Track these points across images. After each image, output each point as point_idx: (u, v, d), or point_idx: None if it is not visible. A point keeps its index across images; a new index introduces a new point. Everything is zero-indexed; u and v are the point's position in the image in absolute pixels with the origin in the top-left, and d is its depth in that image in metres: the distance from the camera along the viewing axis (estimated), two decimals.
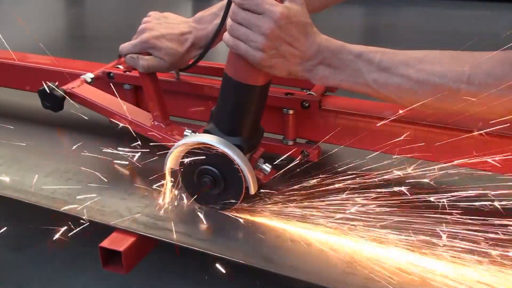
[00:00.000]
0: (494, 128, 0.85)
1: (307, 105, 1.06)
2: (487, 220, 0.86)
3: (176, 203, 1.00)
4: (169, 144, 1.04)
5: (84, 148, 1.21)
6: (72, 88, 1.11)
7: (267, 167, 0.99)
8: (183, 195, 1.00)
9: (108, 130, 1.24)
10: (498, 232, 0.85)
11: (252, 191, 0.94)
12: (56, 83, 1.11)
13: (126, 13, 3.86)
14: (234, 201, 0.96)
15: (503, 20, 3.55)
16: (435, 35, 3.06)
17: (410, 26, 3.47)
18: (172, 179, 0.99)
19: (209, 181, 0.95)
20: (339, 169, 0.97)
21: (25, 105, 1.41)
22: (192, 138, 0.95)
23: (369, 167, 0.97)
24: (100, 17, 3.84)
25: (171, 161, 0.98)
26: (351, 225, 0.90)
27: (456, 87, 0.81)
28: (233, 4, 0.87)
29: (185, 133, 1.02)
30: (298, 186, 0.97)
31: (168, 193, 1.00)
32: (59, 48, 2.85)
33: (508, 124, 0.85)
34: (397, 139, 0.97)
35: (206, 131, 0.95)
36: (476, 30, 3.18)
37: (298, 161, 1.02)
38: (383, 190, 0.93)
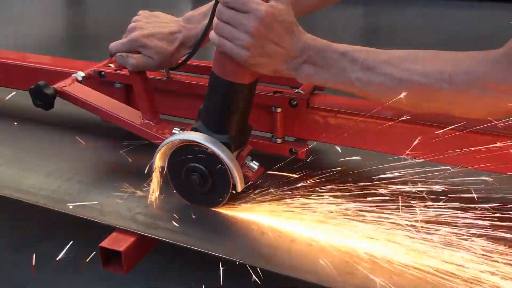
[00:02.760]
0: None
1: (295, 103, 1.06)
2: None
3: (175, 203, 1.00)
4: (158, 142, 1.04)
5: (84, 147, 1.22)
6: (63, 86, 1.11)
7: (254, 165, 1.00)
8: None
9: (108, 129, 1.25)
10: None
11: (239, 188, 0.94)
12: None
13: (126, 12, 3.87)
14: (221, 199, 0.96)
15: (503, 20, 3.51)
16: (435, 35, 3.04)
17: (410, 26, 3.45)
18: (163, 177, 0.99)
19: (197, 179, 0.95)
20: (339, 169, 0.97)
21: (25, 105, 1.38)
22: (179, 136, 0.96)
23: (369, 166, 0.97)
24: (100, 17, 3.84)
25: (159, 159, 0.98)
26: (351, 225, 0.90)
27: (438, 86, 0.81)
28: (219, 3, 0.88)
29: (173, 131, 1.03)
30: (298, 185, 0.97)
31: (156, 191, 1.00)
32: (59, 48, 2.85)
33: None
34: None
35: (194, 129, 0.96)
36: (476, 30, 3.17)
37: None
38: (381, 188, 0.92)
